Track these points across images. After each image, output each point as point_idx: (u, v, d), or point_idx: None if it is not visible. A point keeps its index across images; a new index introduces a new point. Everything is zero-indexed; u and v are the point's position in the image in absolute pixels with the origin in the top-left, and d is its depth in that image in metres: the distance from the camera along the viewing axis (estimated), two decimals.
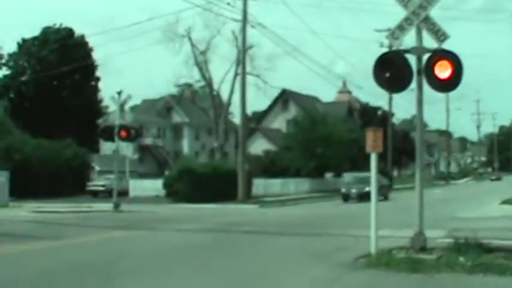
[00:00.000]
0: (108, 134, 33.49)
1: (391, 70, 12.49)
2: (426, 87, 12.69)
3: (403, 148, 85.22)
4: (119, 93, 33.97)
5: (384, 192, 42.42)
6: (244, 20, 43.84)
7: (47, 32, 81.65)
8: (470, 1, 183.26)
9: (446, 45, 12.73)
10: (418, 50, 12.78)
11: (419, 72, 12.65)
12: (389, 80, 12.51)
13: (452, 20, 63.14)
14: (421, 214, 12.93)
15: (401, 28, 12.91)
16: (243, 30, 44.47)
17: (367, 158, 13.34)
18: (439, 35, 12.72)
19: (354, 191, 43.95)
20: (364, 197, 36.87)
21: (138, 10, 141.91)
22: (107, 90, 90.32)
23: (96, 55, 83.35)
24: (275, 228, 21.67)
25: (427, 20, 12.80)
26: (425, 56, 12.66)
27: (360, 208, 32.58)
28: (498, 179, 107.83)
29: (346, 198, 44.56)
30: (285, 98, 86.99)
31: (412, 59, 12.77)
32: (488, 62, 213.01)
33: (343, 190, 45.94)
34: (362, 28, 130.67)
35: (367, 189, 34.77)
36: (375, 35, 65.64)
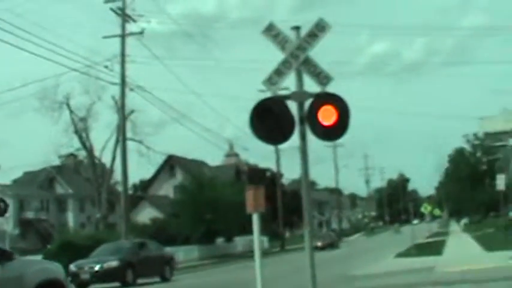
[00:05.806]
0: None
1: (270, 119, 11.11)
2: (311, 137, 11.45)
3: (294, 208, 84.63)
4: None
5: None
6: (123, 82, 42.11)
7: None
8: (362, 55, 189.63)
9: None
10: (299, 95, 11.51)
11: (301, 120, 11.36)
12: (269, 130, 11.09)
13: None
14: (313, 276, 11.51)
15: (278, 72, 11.61)
16: (122, 93, 42.63)
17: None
18: (321, 77, 11.54)
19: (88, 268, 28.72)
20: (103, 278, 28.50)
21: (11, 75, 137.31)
22: None
23: None
24: None
25: (307, 62, 11.63)
26: (308, 102, 11.42)
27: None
28: (398, 231, 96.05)
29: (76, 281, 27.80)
30: (171, 163, 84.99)
31: (293, 106, 11.49)
32: (373, 117, 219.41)
33: (73, 268, 28.48)
34: (247, 88, 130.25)
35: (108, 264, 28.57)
36: (260, 95, 64.66)
